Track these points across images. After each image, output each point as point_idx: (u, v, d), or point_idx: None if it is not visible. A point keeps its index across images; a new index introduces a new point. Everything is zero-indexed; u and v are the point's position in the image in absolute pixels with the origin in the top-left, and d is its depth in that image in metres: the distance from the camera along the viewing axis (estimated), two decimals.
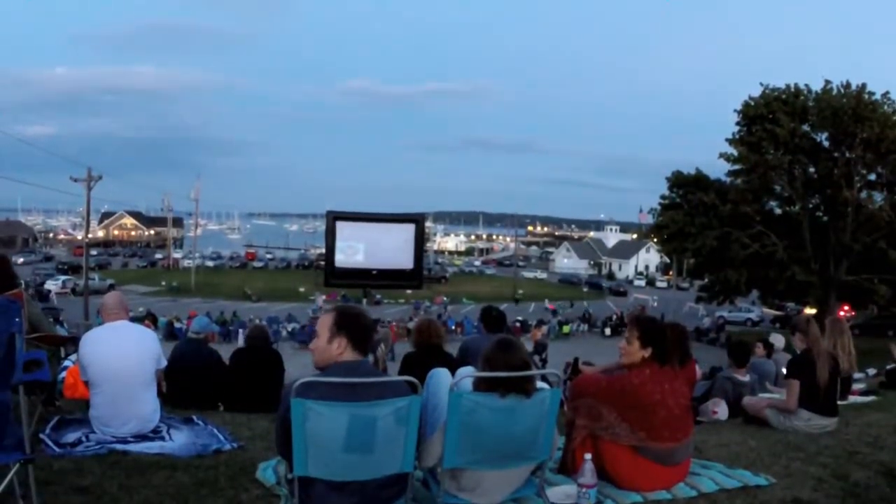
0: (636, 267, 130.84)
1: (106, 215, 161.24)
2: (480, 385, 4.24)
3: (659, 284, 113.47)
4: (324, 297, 73.42)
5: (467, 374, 4.30)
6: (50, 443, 6.01)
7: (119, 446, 6.15)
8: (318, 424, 3.78)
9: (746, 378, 8.96)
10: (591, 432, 5.13)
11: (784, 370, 9.53)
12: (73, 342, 8.40)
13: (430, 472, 4.45)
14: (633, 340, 5.29)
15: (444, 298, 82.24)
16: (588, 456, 4.69)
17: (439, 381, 4.41)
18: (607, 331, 62.96)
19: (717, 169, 54.10)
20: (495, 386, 4.18)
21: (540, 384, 4.39)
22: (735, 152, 51.67)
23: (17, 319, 3.85)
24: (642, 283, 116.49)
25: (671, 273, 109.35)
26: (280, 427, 3.99)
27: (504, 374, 4.19)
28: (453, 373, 4.44)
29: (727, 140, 52.33)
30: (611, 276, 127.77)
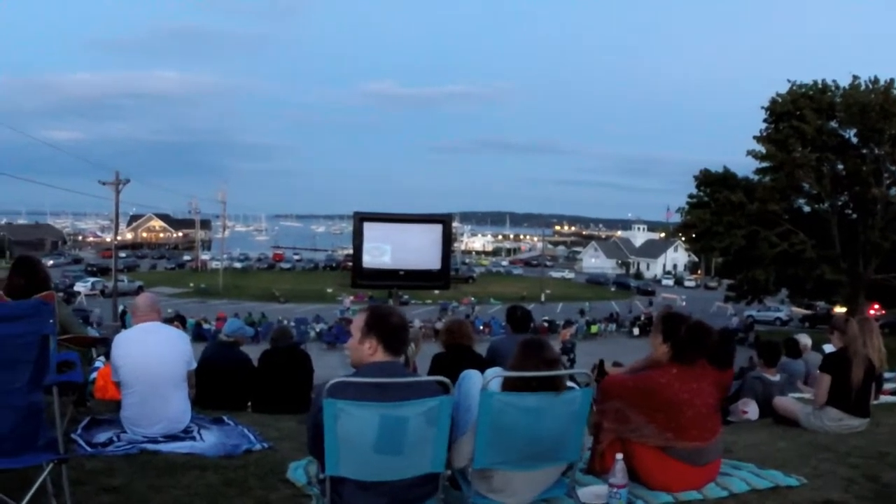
0: (664, 266, 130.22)
1: (134, 218, 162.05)
2: (509, 384, 4.24)
3: (687, 284, 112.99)
4: (351, 298, 73.52)
5: (497, 374, 4.30)
6: (82, 443, 6.05)
7: (150, 446, 6.19)
8: (349, 425, 3.78)
9: (777, 378, 8.90)
10: (619, 435, 5.11)
11: (813, 371, 9.50)
12: (103, 343, 8.45)
13: (461, 472, 4.44)
14: (658, 335, 5.29)
15: (472, 299, 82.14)
16: (619, 456, 4.67)
17: (471, 382, 4.40)
18: (635, 330, 62.74)
19: (745, 167, 53.81)
20: (525, 385, 4.18)
21: (569, 384, 4.39)
22: (763, 150, 51.38)
23: (49, 321, 3.88)
24: (670, 282, 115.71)
25: (699, 272, 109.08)
26: (312, 427, 4.00)
27: (533, 374, 4.19)
28: (483, 373, 4.45)
29: (755, 138, 52.01)
30: (638, 275, 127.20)
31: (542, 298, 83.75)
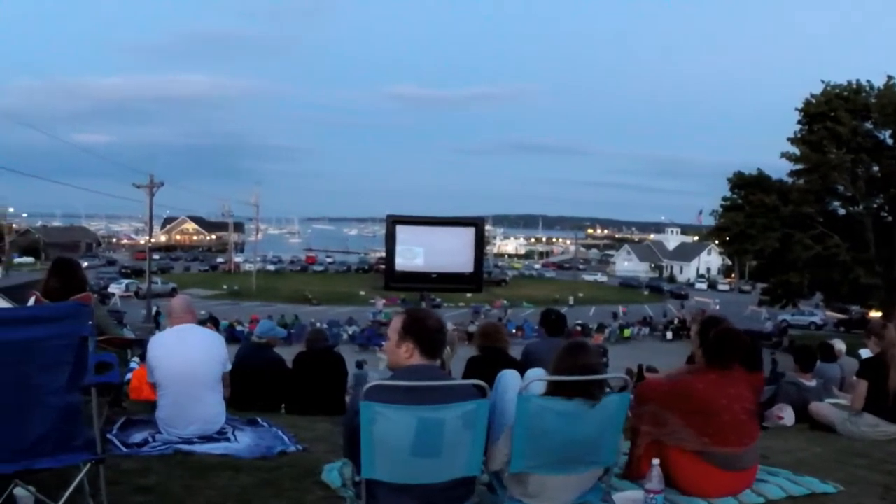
0: (697, 269, 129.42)
1: (168, 220, 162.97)
2: (549, 388, 4.23)
3: (721, 287, 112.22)
4: (383, 301, 73.63)
5: (536, 377, 4.28)
6: (117, 443, 6.10)
7: (184, 447, 6.23)
8: (386, 428, 3.78)
9: (812, 383, 8.82)
10: (656, 438, 5.09)
11: (848, 376, 9.42)
12: (139, 345, 8.51)
13: (496, 476, 4.43)
14: (696, 338, 5.28)
15: (504, 302, 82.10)
16: (656, 461, 4.64)
17: (507, 385, 4.39)
18: (668, 334, 62.47)
19: (780, 169, 53.25)
20: (564, 389, 4.17)
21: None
22: (797, 152, 51.01)
23: (88, 323, 3.90)
24: (704, 285, 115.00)
25: (733, 276, 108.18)
26: (348, 430, 4.02)
27: (574, 378, 4.17)
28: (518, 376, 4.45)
29: (789, 139, 51.58)
30: (672, 279, 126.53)
31: (571, 302, 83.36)
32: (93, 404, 3.98)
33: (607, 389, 4.35)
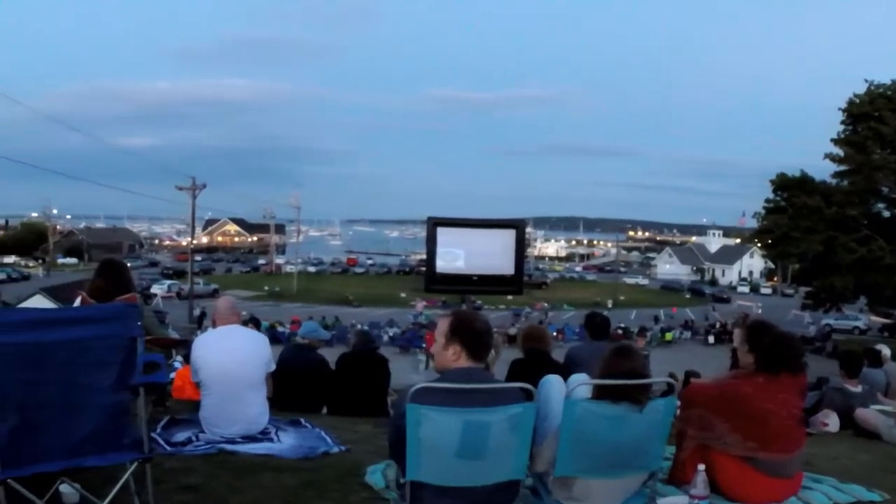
0: (740, 273, 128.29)
1: (210, 222, 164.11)
2: (595, 392, 4.22)
3: (763, 291, 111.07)
4: (424, 302, 73.68)
5: (581, 381, 4.27)
6: (161, 442, 6.14)
7: (227, 446, 6.27)
8: (432, 430, 3.77)
9: (858, 389, 8.71)
10: (702, 443, 5.04)
11: (894, 382, 9.32)
12: (183, 345, 8.57)
13: (540, 479, 4.42)
14: (744, 344, 5.21)
15: (545, 304, 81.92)
16: (701, 467, 4.58)
17: (551, 388, 4.38)
18: (710, 338, 61.98)
19: (823, 170, 52.69)
20: (611, 393, 4.16)
21: None
22: (840, 152, 50.50)
23: (137, 323, 3.94)
24: (746, 289, 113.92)
25: (775, 279, 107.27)
26: (394, 432, 4.02)
27: (621, 382, 4.15)
28: (561, 380, 4.44)
29: (832, 140, 51.08)
30: (713, 282, 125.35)
31: (610, 305, 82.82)
32: (140, 404, 4.02)
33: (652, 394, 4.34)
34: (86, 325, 3.84)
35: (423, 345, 49.65)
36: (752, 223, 64.79)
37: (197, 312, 56.23)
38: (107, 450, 3.93)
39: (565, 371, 6.01)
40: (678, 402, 4.73)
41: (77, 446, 3.86)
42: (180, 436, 6.48)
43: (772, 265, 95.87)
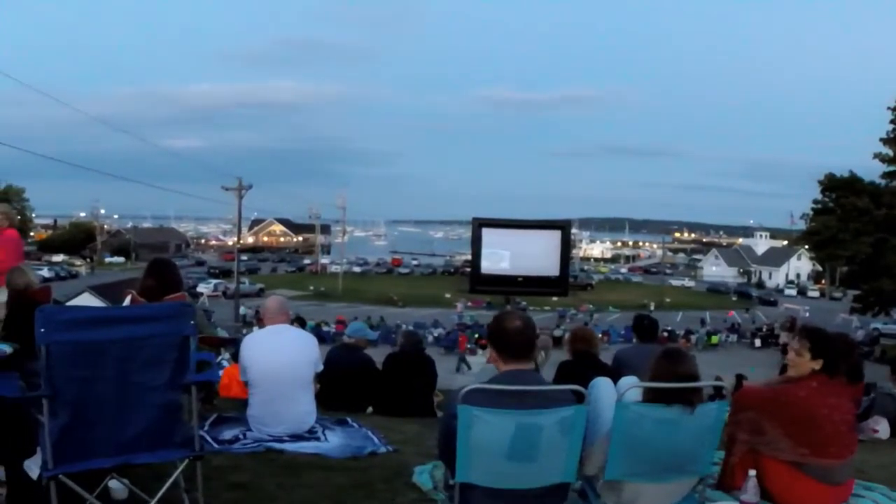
0: (787, 275, 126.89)
1: (256, 222, 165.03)
2: (646, 395, 4.20)
3: (811, 294, 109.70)
4: (469, 303, 73.66)
5: (632, 384, 4.25)
6: (209, 439, 6.19)
7: (275, 445, 6.31)
8: (482, 432, 3.78)
9: None
10: (753, 448, 4.97)
11: None
12: (232, 344, 8.63)
13: (589, 482, 4.41)
14: (804, 352, 5.08)
15: (590, 306, 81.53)
16: (752, 472, 4.54)
17: (601, 391, 4.37)
18: (757, 342, 61.42)
19: (872, 170, 51.89)
20: (662, 397, 4.14)
21: None
22: (889, 152, 49.82)
23: (191, 322, 3.98)
24: (793, 292, 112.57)
25: (823, 282, 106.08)
26: (444, 433, 4.02)
27: (674, 385, 4.14)
28: (610, 383, 4.42)
29: (881, 139, 50.38)
30: (760, 284, 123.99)
31: (652, 307, 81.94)
32: (192, 402, 4.06)
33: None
34: (141, 324, 3.88)
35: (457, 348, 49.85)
36: (800, 224, 64.13)
37: (242, 311, 56.74)
38: (158, 447, 3.98)
39: (614, 373, 5.98)
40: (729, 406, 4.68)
41: (129, 443, 3.91)
42: (228, 433, 6.54)
43: (819, 268, 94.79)
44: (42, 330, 3.64)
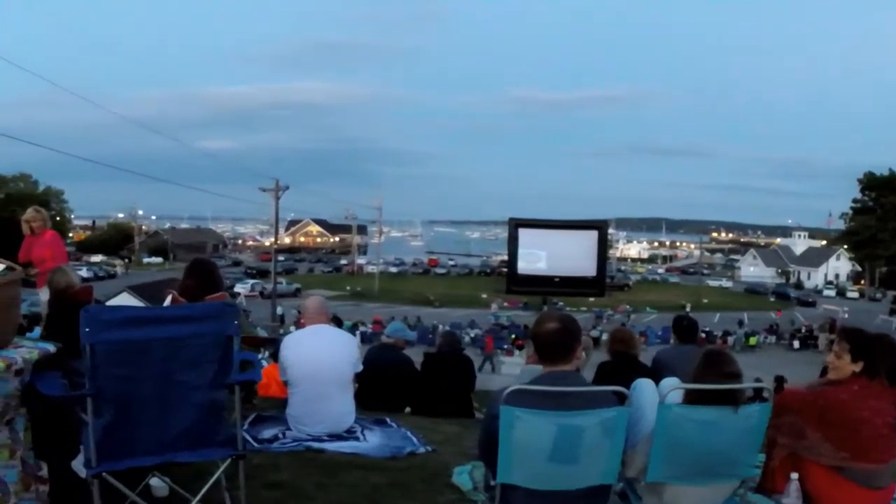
0: (825, 275, 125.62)
1: (292, 223, 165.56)
2: (691, 397, 4.18)
3: (850, 295, 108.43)
4: (505, 303, 73.65)
5: (674, 386, 4.23)
6: (248, 438, 6.22)
7: (314, 444, 6.36)
8: (525, 433, 3.76)
9: None
10: (794, 452, 4.90)
11: None
12: (272, 344, 8.67)
13: (630, 484, 4.39)
14: (844, 354, 5.00)
15: (627, 307, 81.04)
16: (794, 475, 4.49)
17: (643, 392, 4.34)
18: (795, 343, 60.89)
19: None
20: (705, 398, 4.11)
21: None
22: None
23: (234, 322, 4.00)
24: (832, 293, 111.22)
25: (863, 282, 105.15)
26: (486, 433, 4.01)
27: (716, 386, 4.11)
28: (649, 384, 4.40)
29: None
30: (798, 285, 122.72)
31: (688, 308, 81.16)
32: (235, 401, 4.08)
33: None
34: (185, 324, 3.90)
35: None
36: (839, 224, 63.66)
37: (280, 311, 57.08)
38: (201, 446, 4.01)
39: (654, 375, 5.95)
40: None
41: (172, 442, 3.94)
42: (267, 433, 6.59)
43: (859, 268, 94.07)
44: (87, 329, 3.68)
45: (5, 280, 4.02)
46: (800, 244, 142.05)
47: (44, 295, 7.86)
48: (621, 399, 3.94)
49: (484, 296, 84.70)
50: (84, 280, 7.00)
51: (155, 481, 4.60)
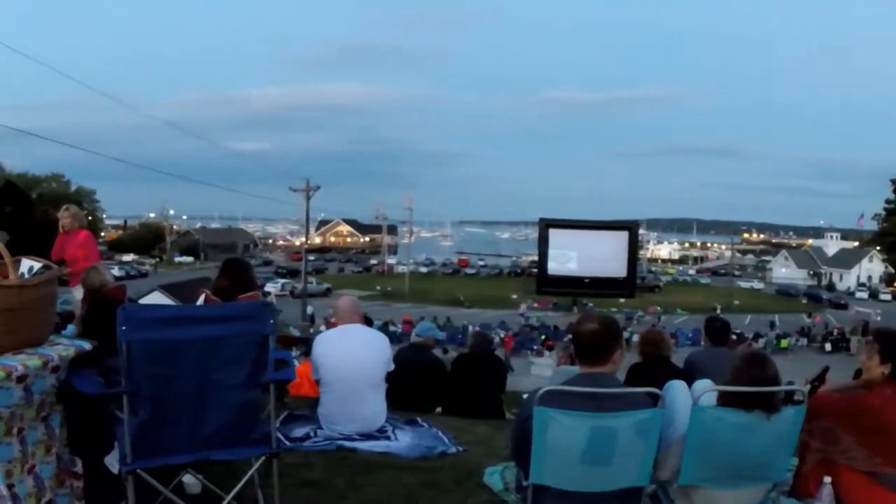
0: (858, 277, 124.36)
1: (322, 223, 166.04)
2: (726, 399, 4.14)
3: (882, 297, 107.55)
4: (535, 304, 73.51)
5: (708, 388, 4.20)
6: (280, 436, 6.25)
7: (346, 443, 6.38)
8: (558, 433, 3.77)
9: None
10: (826, 456, 4.87)
11: None
12: (304, 343, 8.71)
13: (662, 487, 4.38)
14: (874, 355, 4.98)
15: (657, 308, 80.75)
16: (827, 480, 4.45)
17: (675, 394, 4.32)
18: (827, 346, 60.33)
19: None
20: (741, 401, 4.08)
21: None
22: None
23: (270, 322, 4.03)
24: (864, 295, 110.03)
25: None
26: (518, 433, 4.01)
27: (754, 389, 4.06)
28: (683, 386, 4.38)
29: None
30: (831, 287, 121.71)
31: (719, 310, 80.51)
32: (270, 400, 4.11)
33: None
34: (221, 323, 3.93)
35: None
36: (872, 225, 63.14)
37: (310, 311, 57.27)
38: (235, 444, 4.04)
39: (686, 377, 5.92)
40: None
41: (207, 440, 3.98)
42: (299, 431, 6.62)
43: (892, 270, 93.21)
44: (124, 328, 3.71)
45: (42, 278, 4.06)
46: (832, 245, 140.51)
47: (77, 293, 7.93)
48: (655, 400, 3.93)
49: (514, 296, 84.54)
50: (116, 279, 7.06)
51: (188, 478, 4.64)
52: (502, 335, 56.07)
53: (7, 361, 3.68)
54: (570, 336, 4.18)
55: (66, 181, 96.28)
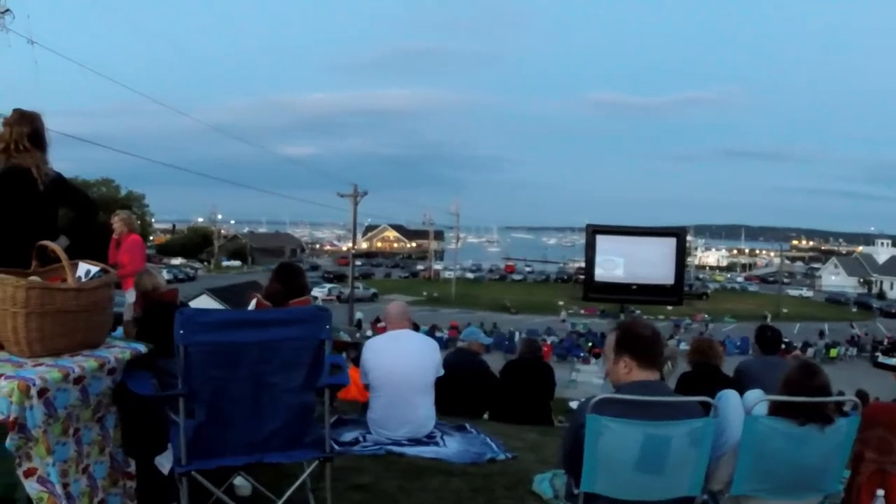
0: None
1: (369, 228, 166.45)
2: (779, 410, 4.11)
3: None
4: (582, 310, 73.28)
5: (761, 397, 4.16)
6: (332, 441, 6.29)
7: (395, 448, 6.40)
8: (611, 441, 3.76)
9: None
10: (881, 467, 4.79)
11: None
12: (354, 348, 8.75)
13: (713, 497, 4.35)
14: None
15: (705, 316, 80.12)
16: (880, 492, 4.43)
17: (728, 404, 4.29)
18: (878, 356, 59.50)
19: None
20: (795, 412, 4.05)
21: None
22: None
23: (326, 326, 4.05)
24: None
25: None
26: (570, 441, 3.98)
27: (809, 399, 4.04)
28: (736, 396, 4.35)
29: None
30: (881, 295, 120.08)
31: (769, 318, 79.72)
32: (325, 404, 4.13)
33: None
34: (278, 327, 3.96)
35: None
36: None
37: (357, 315, 57.50)
38: (290, 447, 4.06)
39: (737, 386, 5.88)
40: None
41: (262, 443, 4.01)
42: (348, 436, 6.65)
43: None
44: (181, 331, 3.75)
45: (100, 282, 4.11)
46: (883, 252, 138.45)
47: (129, 297, 8.03)
48: (707, 409, 3.92)
49: (560, 303, 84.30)
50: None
51: (239, 481, 4.69)
52: (549, 342, 55.97)
53: (64, 363, 3.73)
54: (616, 336, 4.11)
55: (116, 186, 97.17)
